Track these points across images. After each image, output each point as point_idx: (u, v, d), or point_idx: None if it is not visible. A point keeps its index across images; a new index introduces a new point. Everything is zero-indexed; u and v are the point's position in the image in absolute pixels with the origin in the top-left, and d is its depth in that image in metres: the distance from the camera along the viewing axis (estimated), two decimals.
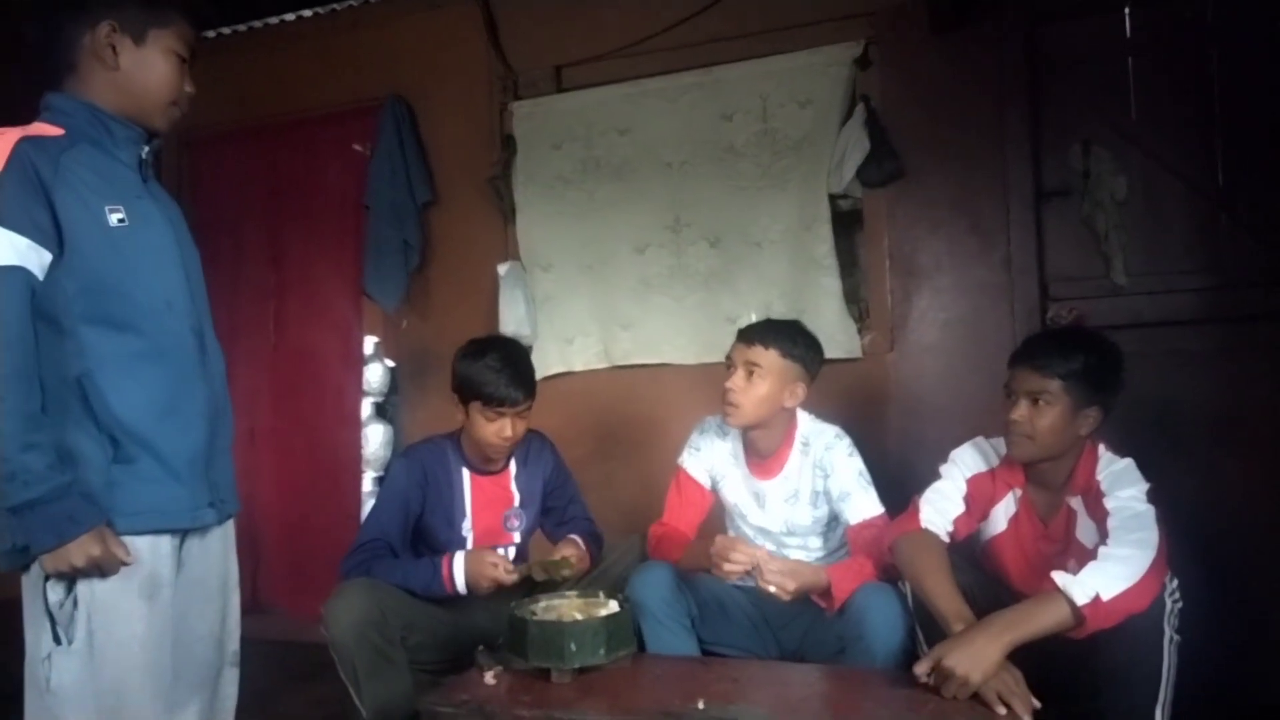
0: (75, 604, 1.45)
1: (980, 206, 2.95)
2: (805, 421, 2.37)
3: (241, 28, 3.81)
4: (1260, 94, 2.68)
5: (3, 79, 2.26)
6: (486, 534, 2.45)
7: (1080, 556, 1.94)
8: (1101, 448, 2.03)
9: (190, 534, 1.62)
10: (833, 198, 3.07)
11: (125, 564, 1.46)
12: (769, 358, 2.25)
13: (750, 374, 2.25)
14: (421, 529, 2.44)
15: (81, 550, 1.40)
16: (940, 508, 2.07)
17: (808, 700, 1.82)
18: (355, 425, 3.69)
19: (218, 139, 3.92)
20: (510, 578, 2.23)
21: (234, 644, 1.74)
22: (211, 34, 3.73)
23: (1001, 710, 1.64)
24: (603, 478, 3.23)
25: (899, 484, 2.33)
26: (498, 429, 2.33)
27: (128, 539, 1.48)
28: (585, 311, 3.41)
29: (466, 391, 2.34)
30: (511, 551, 2.48)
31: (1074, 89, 2.88)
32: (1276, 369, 2.65)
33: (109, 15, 1.54)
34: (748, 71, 3.18)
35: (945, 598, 1.84)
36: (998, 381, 2.12)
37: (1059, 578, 1.76)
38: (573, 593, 2.14)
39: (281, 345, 3.86)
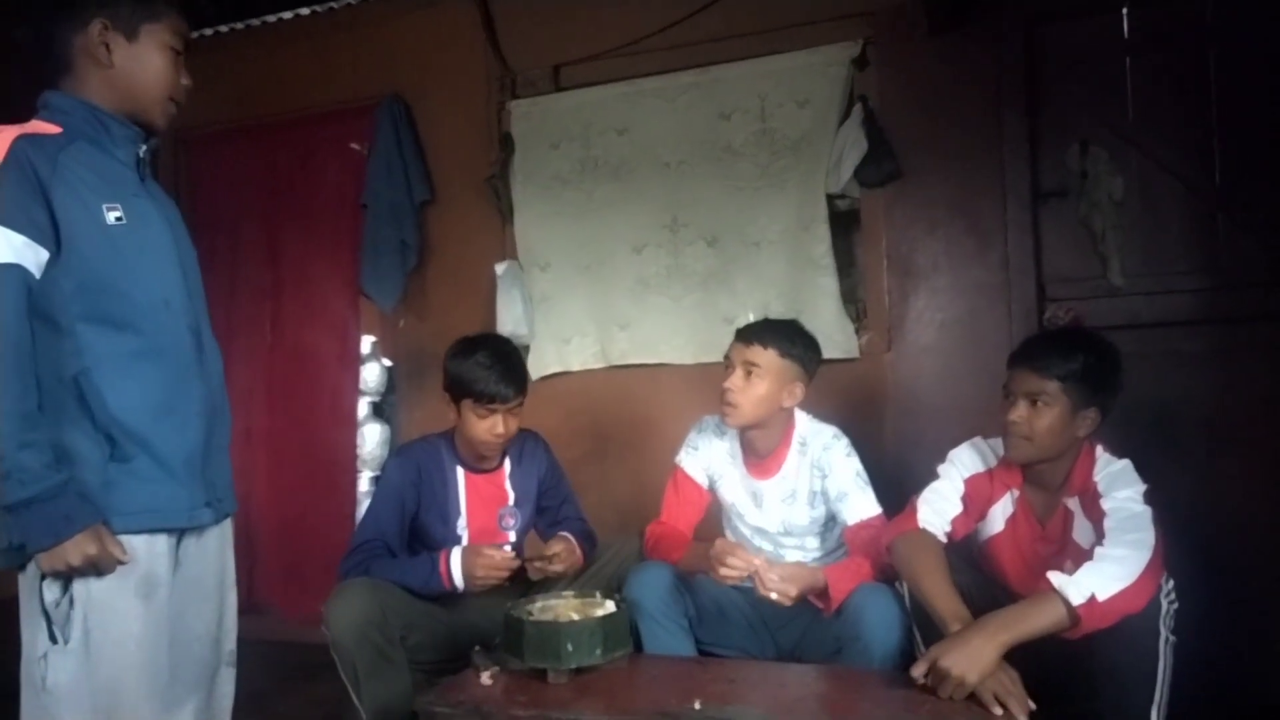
0: (71, 603, 1.45)
1: (978, 207, 2.95)
2: (803, 421, 2.37)
3: (239, 26, 3.80)
4: (1258, 95, 2.68)
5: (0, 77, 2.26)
6: (482, 532, 2.45)
7: (1077, 557, 1.94)
8: (1099, 449, 2.03)
9: (187, 533, 1.61)
10: (830, 198, 3.07)
11: (122, 563, 1.46)
12: (767, 357, 2.25)
13: (749, 373, 2.25)
14: (417, 527, 2.44)
15: (78, 549, 1.40)
16: (938, 508, 2.07)
17: (804, 701, 1.82)
18: (352, 425, 3.67)
19: (215, 138, 3.91)
20: (511, 562, 2.24)
21: (230, 643, 1.74)
22: (209, 32, 3.72)
23: (998, 710, 1.64)
24: (600, 477, 3.22)
25: (896, 484, 2.34)
26: (490, 426, 2.33)
27: (124, 538, 1.48)
28: (583, 311, 3.41)
29: (457, 389, 2.34)
30: (507, 550, 2.48)
31: (1072, 89, 2.88)
32: (1274, 370, 2.65)
33: (100, 14, 1.53)
34: (746, 71, 3.17)
35: (942, 598, 1.84)
36: (995, 382, 2.11)
37: (1055, 578, 1.76)
38: (569, 593, 2.14)
39: (278, 344, 3.85)
